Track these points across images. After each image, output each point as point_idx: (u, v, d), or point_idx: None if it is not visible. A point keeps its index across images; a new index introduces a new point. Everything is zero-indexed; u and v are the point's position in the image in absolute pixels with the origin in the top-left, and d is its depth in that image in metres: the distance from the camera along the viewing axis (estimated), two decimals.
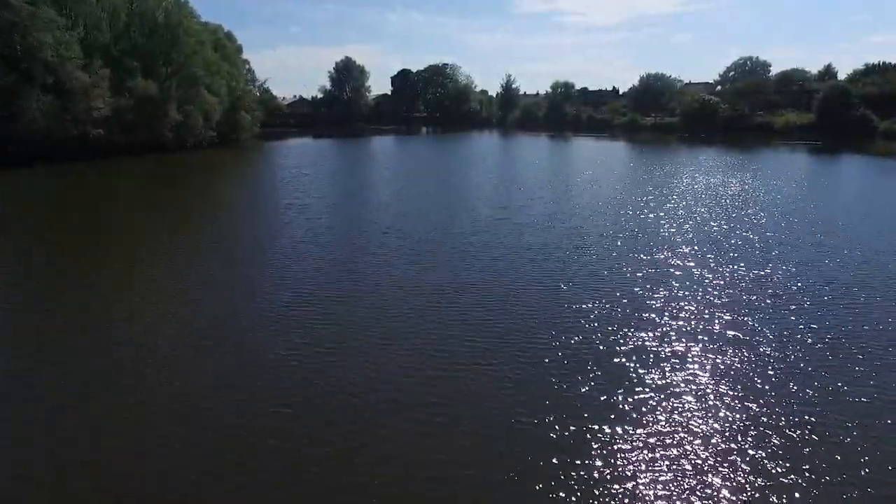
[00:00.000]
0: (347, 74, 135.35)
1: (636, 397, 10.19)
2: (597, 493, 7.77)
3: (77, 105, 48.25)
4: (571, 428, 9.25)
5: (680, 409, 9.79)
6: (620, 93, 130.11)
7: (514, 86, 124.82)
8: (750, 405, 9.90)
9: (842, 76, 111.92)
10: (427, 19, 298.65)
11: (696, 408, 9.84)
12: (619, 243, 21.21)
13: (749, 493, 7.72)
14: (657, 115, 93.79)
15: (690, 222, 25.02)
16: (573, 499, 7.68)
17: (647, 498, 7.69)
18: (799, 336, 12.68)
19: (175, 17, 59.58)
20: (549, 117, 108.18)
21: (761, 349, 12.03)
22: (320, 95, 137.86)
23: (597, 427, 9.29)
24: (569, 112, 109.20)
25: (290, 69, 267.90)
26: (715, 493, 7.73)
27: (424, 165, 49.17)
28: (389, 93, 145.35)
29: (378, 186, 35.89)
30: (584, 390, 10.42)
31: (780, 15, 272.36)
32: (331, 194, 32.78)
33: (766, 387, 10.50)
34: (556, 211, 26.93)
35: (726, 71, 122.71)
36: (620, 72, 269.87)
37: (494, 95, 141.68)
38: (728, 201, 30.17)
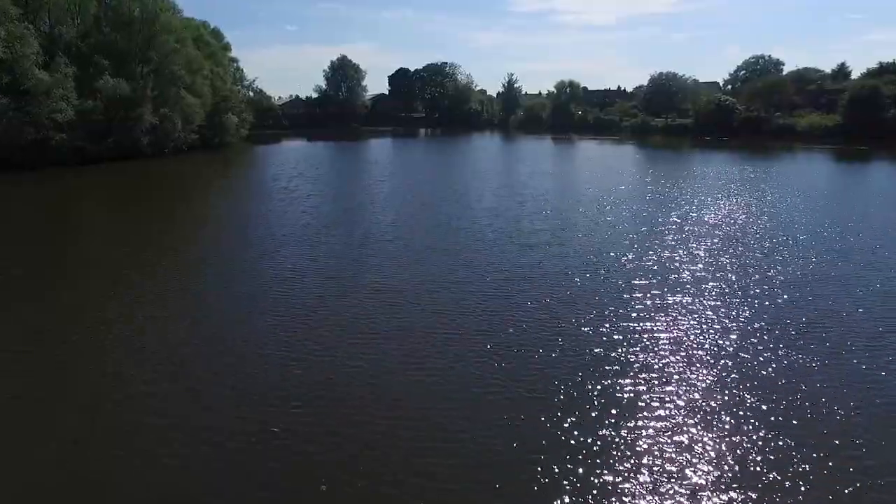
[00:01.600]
0: (343, 73, 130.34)
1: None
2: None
3: (36, 107, 43.11)
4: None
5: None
6: (625, 92, 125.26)
7: (516, 85, 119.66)
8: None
9: (854, 75, 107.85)
10: (423, 17, 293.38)
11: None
12: (691, 300, 16.30)
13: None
14: (669, 117, 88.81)
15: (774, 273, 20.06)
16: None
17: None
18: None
19: (151, 11, 54.35)
20: (553, 118, 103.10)
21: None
22: (315, 95, 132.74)
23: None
24: (574, 113, 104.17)
25: (289, 68, 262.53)
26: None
27: (425, 179, 42.99)
28: (387, 92, 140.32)
29: (370, 210, 29.89)
30: None
31: (776, 14, 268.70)
32: (312, 221, 27.41)
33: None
34: (598, 250, 21.70)
35: (736, 70, 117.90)
36: (618, 71, 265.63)
37: (494, 95, 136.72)
38: (802, 237, 25.21)
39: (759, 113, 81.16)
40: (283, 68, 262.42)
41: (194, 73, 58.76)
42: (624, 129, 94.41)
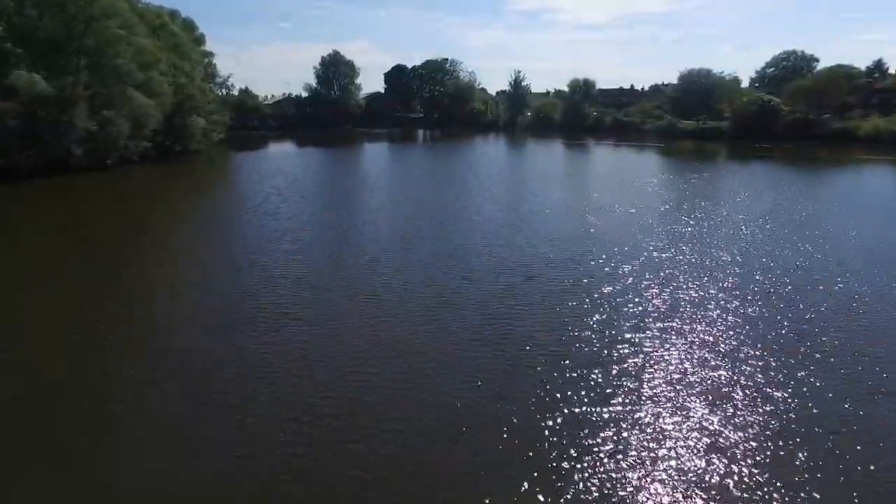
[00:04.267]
0: (335, 70, 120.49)
1: None
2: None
3: None
4: None
5: None
6: (642, 91, 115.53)
7: (523, 83, 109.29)
8: None
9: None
10: (419, 15, 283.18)
11: None
12: None
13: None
14: (700, 119, 78.72)
15: None
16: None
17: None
18: None
19: None
20: (565, 120, 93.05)
21: None
22: (305, 94, 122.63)
23: None
24: (589, 114, 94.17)
25: (282, 66, 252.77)
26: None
27: (427, 213, 29.42)
28: (383, 91, 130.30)
29: (355, 268, 19.99)
30: None
31: (770, 14, 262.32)
32: (268, 280, 17.77)
33: None
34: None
35: (764, 67, 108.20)
36: (615, 70, 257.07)
37: (493, 94, 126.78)
38: None
39: (806, 114, 71.18)
40: (276, 66, 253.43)
41: (148, 67, 48.63)
42: (646, 133, 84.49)
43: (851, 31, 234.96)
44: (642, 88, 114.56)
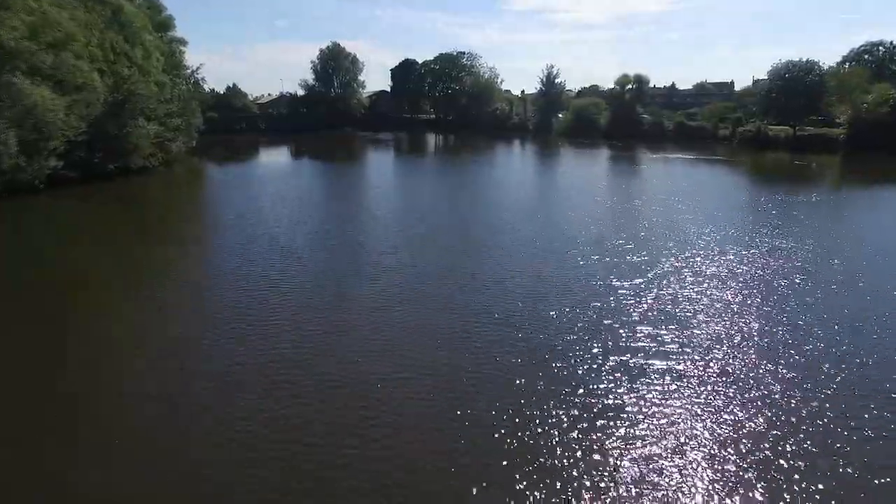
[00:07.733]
0: (335, 65, 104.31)
1: None
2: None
3: None
4: None
5: None
6: (695, 90, 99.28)
7: (557, 80, 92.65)
8: None
9: None
10: (415, 15, 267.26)
11: None
12: None
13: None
14: (797, 125, 62.50)
15: None
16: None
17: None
18: None
19: None
20: (615, 124, 76.63)
21: None
22: (302, 92, 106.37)
23: None
24: (641, 118, 77.78)
25: (283, 65, 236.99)
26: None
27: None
28: (388, 89, 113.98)
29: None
30: None
31: (768, 14, 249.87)
32: None
33: None
34: None
35: (841, 62, 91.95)
36: (616, 69, 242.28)
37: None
38: None
39: None
40: (273, 65, 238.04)
41: (58, 47, 32.30)
42: (720, 141, 68.35)
43: (851, 32, 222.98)
44: (698, 85, 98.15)
